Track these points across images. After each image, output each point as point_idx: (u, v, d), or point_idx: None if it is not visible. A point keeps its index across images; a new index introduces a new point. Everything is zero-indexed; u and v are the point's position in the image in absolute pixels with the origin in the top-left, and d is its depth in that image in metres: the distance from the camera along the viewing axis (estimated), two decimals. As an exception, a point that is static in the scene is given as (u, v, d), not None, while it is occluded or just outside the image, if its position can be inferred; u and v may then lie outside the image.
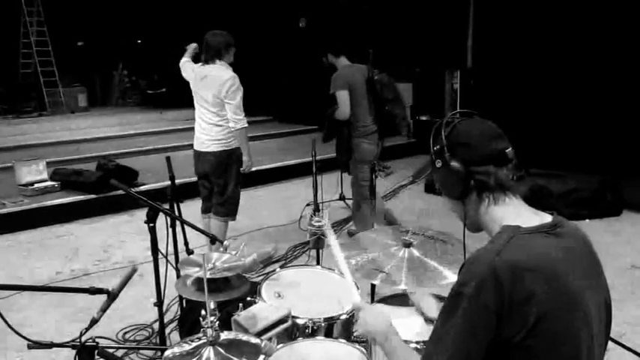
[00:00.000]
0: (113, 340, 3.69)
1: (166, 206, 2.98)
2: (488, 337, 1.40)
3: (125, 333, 3.83)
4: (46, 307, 4.31)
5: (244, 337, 1.85)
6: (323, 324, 2.32)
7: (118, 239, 6.03)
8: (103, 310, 1.84)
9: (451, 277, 2.48)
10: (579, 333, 1.45)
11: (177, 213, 3.28)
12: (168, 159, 2.96)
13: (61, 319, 4.14)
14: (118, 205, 6.89)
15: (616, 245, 5.53)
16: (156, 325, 3.92)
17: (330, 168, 8.80)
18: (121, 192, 6.77)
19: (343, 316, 2.37)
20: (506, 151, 1.56)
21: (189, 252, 3.15)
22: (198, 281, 1.94)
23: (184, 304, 3.46)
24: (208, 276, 1.92)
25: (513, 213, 1.55)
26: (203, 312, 2.05)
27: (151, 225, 2.42)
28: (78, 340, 1.81)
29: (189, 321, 2.95)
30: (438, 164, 1.60)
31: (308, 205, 7.28)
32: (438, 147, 1.61)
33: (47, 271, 5.12)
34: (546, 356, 1.41)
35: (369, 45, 10.14)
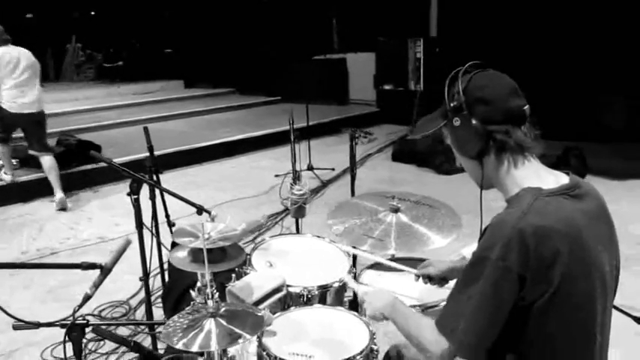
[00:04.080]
0: (95, 316, 3.60)
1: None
2: (512, 302, 1.38)
3: (101, 310, 3.73)
4: (15, 288, 4.16)
5: (246, 308, 1.80)
6: (316, 292, 2.29)
7: (84, 216, 5.85)
8: (96, 285, 1.76)
9: (439, 241, 2.48)
10: (596, 294, 1.45)
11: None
12: (146, 129, 2.85)
13: (32, 299, 4.01)
14: (82, 182, 6.69)
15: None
16: (133, 302, 3.85)
17: (299, 138, 8.76)
18: (83, 168, 6.67)
19: (336, 284, 2.34)
20: (524, 108, 1.52)
21: (171, 224, 3.07)
22: (194, 252, 1.87)
23: (166, 278, 3.36)
24: (200, 246, 1.85)
25: (533, 174, 1.52)
26: (199, 283, 1.99)
27: (135, 197, 2.33)
28: (71, 317, 1.72)
29: (173, 295, 2.88)
30: (456, 122, 1.54)
31: (277, 176, 7.24)
32: (455, 103, 1.53)
33: (12, 252, 4.94)
34: (566, 318, 1.42)
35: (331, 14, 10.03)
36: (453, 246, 2.47)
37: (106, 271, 1.76)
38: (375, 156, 8.61)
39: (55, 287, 4.10)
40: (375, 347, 1.95)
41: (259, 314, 1.75)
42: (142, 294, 3.72)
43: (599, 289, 1.46)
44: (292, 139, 3.59)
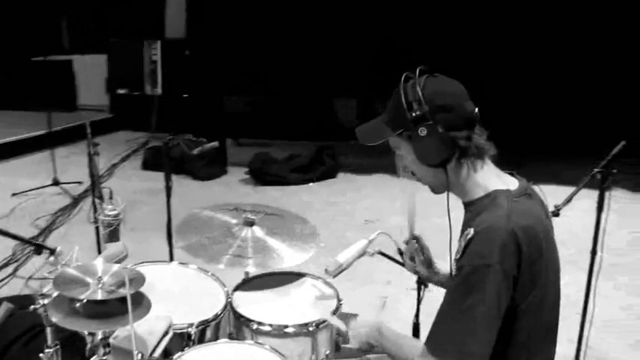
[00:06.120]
0: None
1: None
2: (506, 306, 1.38)
3: None
4: None
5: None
6: (198, 328, 1.98)
7: None
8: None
9: (300, 254, 2.36)
10: (559, 284, 1.55)
11: None
12: None
13: None
14: None
15: (346, 204, 6.02)
16: None
17: (40, 147, 7.70)
18: None
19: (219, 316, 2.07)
20: (476, 111, 1.52)
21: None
22: (85, 306, 1.43)
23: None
24: (99, 297, 1.44)
25: (495, 177, 1.54)
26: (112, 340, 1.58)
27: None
28: None
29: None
30: (423, 132, 1.47)
31: (14, 195, 6.23)
32: (418, 113, 1.46)
33: None
34: (542, 316, 1.47)
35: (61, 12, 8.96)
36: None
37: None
38: (121, 165, 7.99)
39: None
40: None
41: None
42: None
43: (558, 277, 1.56)
44: (91, 152, 3.08)
